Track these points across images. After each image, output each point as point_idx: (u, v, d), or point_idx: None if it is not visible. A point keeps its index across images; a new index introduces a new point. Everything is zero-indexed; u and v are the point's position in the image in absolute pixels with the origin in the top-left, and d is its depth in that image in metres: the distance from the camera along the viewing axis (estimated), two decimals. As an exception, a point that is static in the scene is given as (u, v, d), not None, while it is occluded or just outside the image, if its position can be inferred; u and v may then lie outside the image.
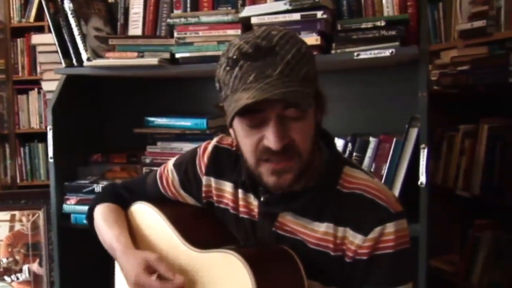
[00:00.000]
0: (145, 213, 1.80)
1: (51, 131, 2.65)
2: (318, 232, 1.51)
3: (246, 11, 2.46)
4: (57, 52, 2.71)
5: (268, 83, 1.33)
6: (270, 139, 1.38)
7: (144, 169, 2.71)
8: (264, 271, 1.46)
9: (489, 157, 3.10)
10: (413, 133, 2.28)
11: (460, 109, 3.40)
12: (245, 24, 2.48)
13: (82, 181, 2.71)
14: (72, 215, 2.68)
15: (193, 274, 1.61)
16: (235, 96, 1.37)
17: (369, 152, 2.37)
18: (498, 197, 3.02)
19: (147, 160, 2.73)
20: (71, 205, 2.67)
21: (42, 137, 4.72)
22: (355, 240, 1.46)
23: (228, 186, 1.68)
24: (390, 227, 1.44)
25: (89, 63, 2.61)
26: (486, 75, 3.08)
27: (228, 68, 1.40)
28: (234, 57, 1.38)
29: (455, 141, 3.41)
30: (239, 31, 2.47)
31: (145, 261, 1.59)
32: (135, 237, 1.80)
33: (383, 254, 1.45)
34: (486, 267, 3.15)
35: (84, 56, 2.63)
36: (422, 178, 2.19)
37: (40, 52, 3.21)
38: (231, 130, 1.53)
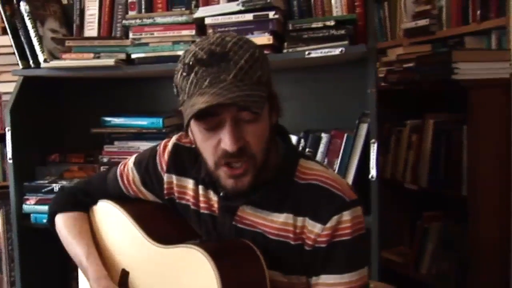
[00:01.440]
0: (108, 211, 1.82)
1: (9, 132, 2.67)
2: (277, 222, 1.56)
3: (200, 12, 2.51)
4: (14, 53, 2.72)
5: (222, 88, 1.38)
6: (226, 141, 1.42)
7: (102, 168, 2.73)
8: (227, 264, 1.49)
9: (435, 151, 3.15)
10: (363, 128, 2.36)
11: (406, 104, 3.45)
12: (199, 25, 2.53)
13: (41, 181, 2.74)
14: (32, 215, 2.70)
15: (157, 269, 1.64)
16: (191, 101, 1.41)
17: (322, 148, 2.45)
18: (444, 189, 3.08)
19: (105, 160, 2.76)
20: (30, 205, 2.69)
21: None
22: (314, 229, 1.52)
23: (190, 183, 1.71)
24: (346, 215, 1.50)
25: (46, 65, 2.64)
26: (430, 72, 3.13)
27: (184, 74, 1.44)
28: (190, 63, 1.43)
29: (402, 136, 3.45)
30: (193, 32, 2.53)
31: None
32: (99, 236, 1.83)
33: (341, 241, 1.51)
34: (434, 258, 3.21)
35: (41, 57, 2.65)
36: (373, 172, 2.27)
37: (-4, 54, 3.20)
38: (189, 133, 1.57)
